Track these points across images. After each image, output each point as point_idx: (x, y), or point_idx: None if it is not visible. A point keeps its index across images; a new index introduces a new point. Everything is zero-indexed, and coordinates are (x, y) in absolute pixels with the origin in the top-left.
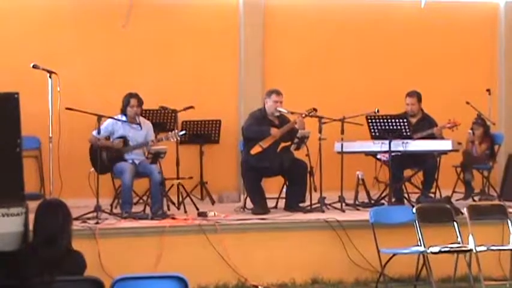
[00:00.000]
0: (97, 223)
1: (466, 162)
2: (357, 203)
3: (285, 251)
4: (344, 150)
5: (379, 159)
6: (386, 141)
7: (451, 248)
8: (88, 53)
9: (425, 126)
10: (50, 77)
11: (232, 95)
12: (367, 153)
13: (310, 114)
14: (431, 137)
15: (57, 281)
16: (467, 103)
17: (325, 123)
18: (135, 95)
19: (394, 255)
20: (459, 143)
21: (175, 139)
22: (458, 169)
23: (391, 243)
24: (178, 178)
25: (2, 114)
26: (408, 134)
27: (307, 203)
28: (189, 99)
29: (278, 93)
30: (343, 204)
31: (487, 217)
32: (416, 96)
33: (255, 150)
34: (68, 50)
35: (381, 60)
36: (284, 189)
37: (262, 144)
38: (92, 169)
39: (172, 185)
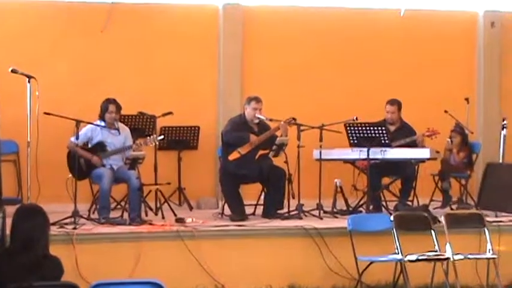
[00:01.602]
0: (74, 228)
1: (444, 171)
2: (334, 210)
3: (262, 258)
4: (322, 157)
5: (357, 167)
6: (365, 149)
7: (429, 256)
8: (67, 58)
9: (403, 134)
10: (28, 81)
11: (211, 101)
12: (345, 161)
13: (290, 123)
14: (410, 145)
15: (34, 286)
16: (446, 112)
17: (303, 130)
18: (113, 101)
19: (371, 262)
20: (437, 152)
21: (153, 144)
22: (436, 177)
23: (368, 250)
24: (156, 184)
25: None
26: (387, 142)
27: (285, 210)
28: (167, 105)
29: (257, 100)
30: (321, 211)
31: (464, 225)
32: (397, 104)
33: (233, 156)
34: (47, 54)
35: (359, 68)
36: (262, 196)
37: (240, 150)
38: (70, 175)
39: (150, 191)
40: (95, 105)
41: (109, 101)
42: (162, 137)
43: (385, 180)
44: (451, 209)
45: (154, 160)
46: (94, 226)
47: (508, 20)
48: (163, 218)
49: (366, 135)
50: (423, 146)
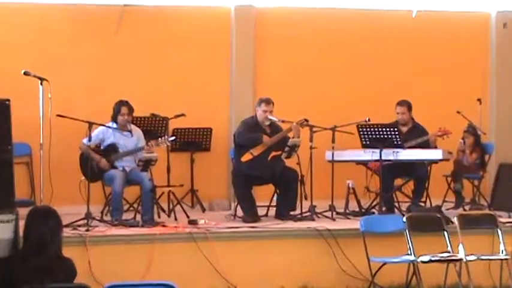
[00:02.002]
0: (87, 230)
1: (457, 172)
2: (347, 211)
3: (275, 259)
4: (335, 159)
5: (369, 168)
6: (377, 150)
7: (441, 257)
8: (79, 60)
9: (416, 135)
10: (41, 83)
11: (224, 103)
12: (357, 162)
13: (302, 124)
14: (422, 145)
15: None
16: (458, 112)
17: (316, 131)
18: (125, 103)
19: (384, 264)
20: (450, 153)
21: (165, 145)
22: (449, 178)
23: (381, 252)
24: (169, 186)
25: None
26: (399, 143)
27: (298, 211)
28: (180, 107)
29: (268, 102)
30: (334, 212)
31: (477, 226)
32: (407, 105)
33: (246, 157)
34: (59, 57)
35: (372, 70)
36: (275, 198)
37: (253, 151)
38: (83, 178)
39: (163, 193)
40: (107, 107)
41: (122, 103)
42: (173, 137)
43: (398, 182)
44: (464, 209)
45: (167, 162)
46: (107, 228)
47: None
48: (176, 219)
49: (378, 136)
50: (435, 147)
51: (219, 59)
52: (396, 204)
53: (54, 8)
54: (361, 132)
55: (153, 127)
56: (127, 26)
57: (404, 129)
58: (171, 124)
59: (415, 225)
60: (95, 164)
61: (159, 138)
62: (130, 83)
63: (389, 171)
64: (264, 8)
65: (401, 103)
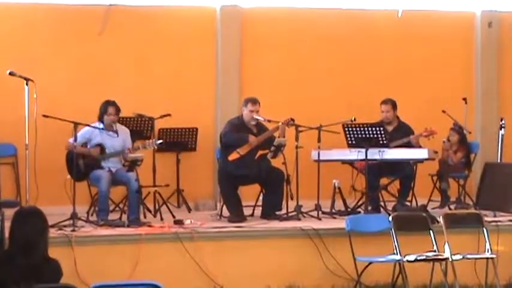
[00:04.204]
0: (73, 230)
1: (442, 171)
2: (333, 211)
3: (261, 259)
4: (321, 158)
5: (355, 167)
6: (363, 150)
7: (427, 256)
8: (65, 60)
9: (401, 134)
10: (26, 84)
11: (209, 103)
12: (343, 162)
13: (288, 124)
14: (408, 145)
15: None
16: (444, 112)
17: (302, 131)
18: (112, 103)
19: (370, 263)
20: (435, 152)
21: (152, 148)
22: (435, 177)
23: (367, 251)
24: (154, 186)
25: None
26: (385, 142)
27: (284, 211)
28: (165, 107)
29: (254, 102)
30: (320, 212)
31: (462, 225)
32: (391, 103)
33: (233, 156)
34: (45, 57)
35: (358, 69)
36: (260, 197)
37: (239, 151)
38: (68, 176)
39: (149, 193)
40: (93, 107)
41: (108, 103)
42: (161, 141)
43: (384, 181)
44: (450, 209)
45: (152, 162)
46: (93, 228)
47: (505, 20)
48: (161, 219)
49: (363, 135)
50: (419, 147)
51: (205, 59)
52: (382, 204)
53: (40, 8)
54: (347, 132)
55: (138, 127)
56: (112, 26)
57: (389, 128)
58: (157, 124)
59: (401, 225)
60: (82, 162)
61: (146, 141)
62: (116, 83)
63: (375, 170)
64: (250, 8)
65: (385, 101)
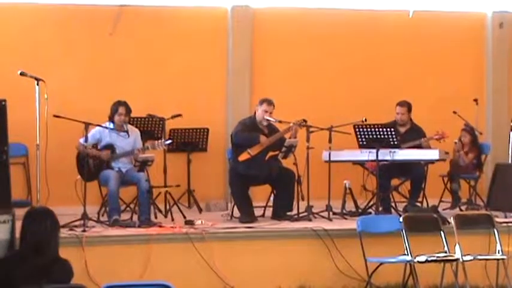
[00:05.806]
0: (84, 231)
1: (453, 172)
2: (344, 211)
3: (272, 260)
4: (332, 159)
5: (366, 168)
6: (374, 150)
7: (438, 257)
8: (76, 60)
9: (413, 136)
10: (37, 84)
11: (221, 103)
12: (354, 162)
13: (301, 125)
14: (419, 146)
15: None
16: (455, 113)
17: (313, 132)
18: (123, 103)
19: (381, 264)
20: (446, 153)
21: (161, 148)
22: (445, 178)
23: (378, 252)
24: (165, 186)
25: None
26: (396, 143)
27: (295, 211)
28: (177, 107)
29: (269, 103)
30: (331, 213)
31: (473, 226)
32: (407, 106)
33: (243, 157)
34: (56, 57)
35: (369, 70)
36: (271, 198)
37: (250, 151)
38: (79, 176)
39: (160, 193)
40: (104, 107)
41: (119, 103)
42: (170, 141)
43: (395, 182)
44: (461, 210)
45: (163, 162)
46: (103, 228)
47: None
48: (172, 220)
49: (374, 136)
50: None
51: (216, 59)
52: (393, 204)
53: (51, 8)
54: (358, 133)
55: (149, 128)
56: (124, 26)
57: (402, 129)
58: (168, 124)
59: (411, 226)
60: (92, 162)
61: (156, 141)
62: (127, 84)
63: (386, 171)
64: (261, 9)
65: (401, 104)
